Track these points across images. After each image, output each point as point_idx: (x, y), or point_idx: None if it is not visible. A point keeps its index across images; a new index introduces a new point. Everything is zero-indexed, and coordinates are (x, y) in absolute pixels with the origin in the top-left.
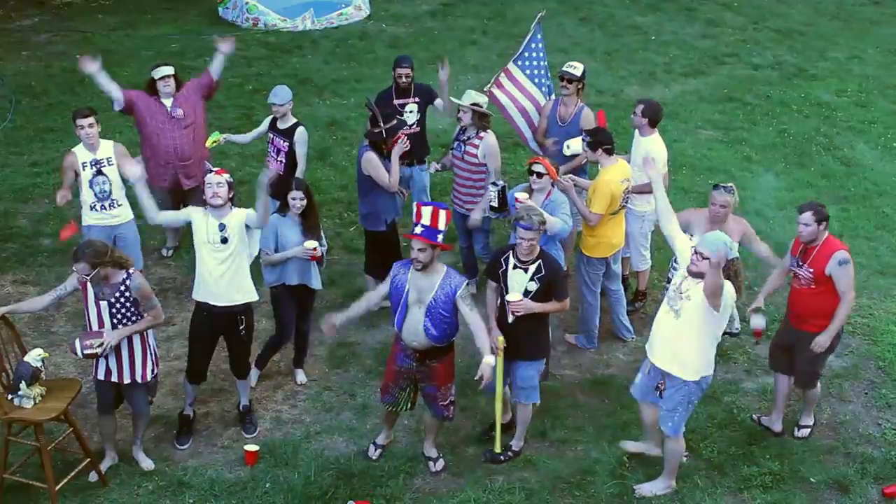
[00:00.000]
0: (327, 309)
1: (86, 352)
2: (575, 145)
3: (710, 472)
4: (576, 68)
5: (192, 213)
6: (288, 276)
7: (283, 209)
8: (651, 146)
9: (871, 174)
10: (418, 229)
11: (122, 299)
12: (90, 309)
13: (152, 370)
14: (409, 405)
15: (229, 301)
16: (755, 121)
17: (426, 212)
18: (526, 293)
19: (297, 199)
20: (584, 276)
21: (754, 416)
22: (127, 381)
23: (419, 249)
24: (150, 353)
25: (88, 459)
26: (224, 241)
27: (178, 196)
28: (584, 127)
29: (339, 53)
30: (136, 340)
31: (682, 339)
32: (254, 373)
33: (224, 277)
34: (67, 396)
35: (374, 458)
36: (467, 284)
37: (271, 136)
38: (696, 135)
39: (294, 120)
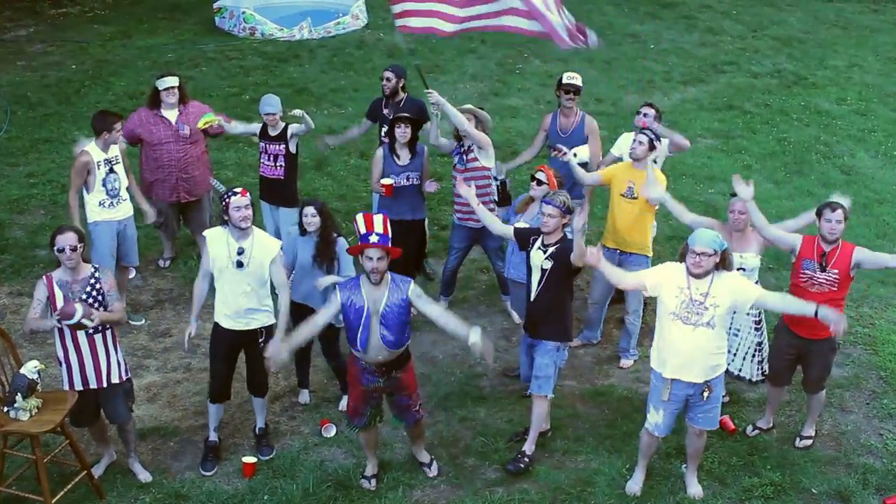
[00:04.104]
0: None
1: (83, 320)
2: (582, 153)
3: (711, 483)
4: (576, 79)
5: (210, 242)
6: (294, 291)
7: (302, 229)
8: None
9: (871, 182)
10: (374, 238)
11: (94, 292)
12: None
13: (126, 370)
14: (379, 418)
15: (246, 326)
16: (755, 129)
17: (378, 220)
18: (542, 272)
19: (308, 216)
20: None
21: (749, 429)
22: (105, 384)
23: (378, 259)
24: (120, 352)
25: (85, 472)
26: (239, 265)
27: (177, 210)
28: (591, 132)
29: (336, 63)
30: (100, 342)
31: (721, 344)
32: (304, 393)
33: (241, 302)
34: (63, 408)
35: (372, 489)
36: (413, 282)
37: (263, 144)
38: (695, 143)
39: (283, 124)
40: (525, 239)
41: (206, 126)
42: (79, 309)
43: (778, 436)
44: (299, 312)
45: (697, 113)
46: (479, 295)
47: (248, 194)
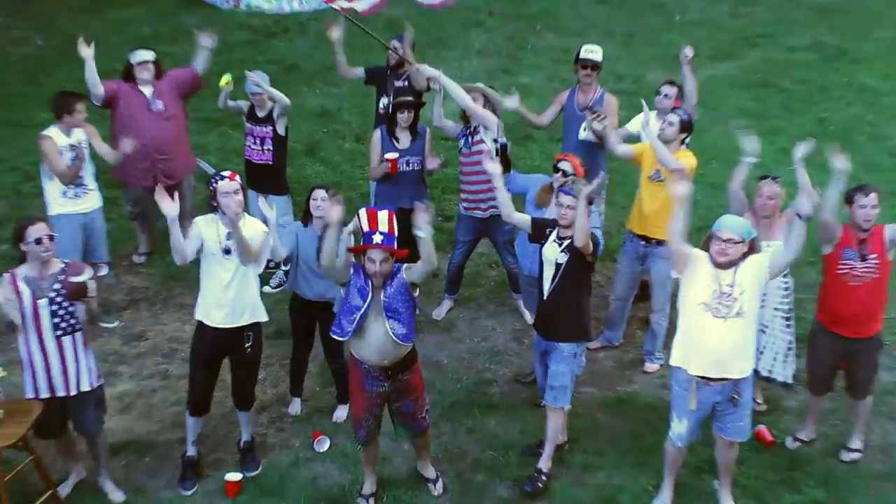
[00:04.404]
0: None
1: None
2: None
3: (747, 501)
4: (595, 52)
5: (199, 225)
6: (300, 286)
7: (306, 219)
8: None
9: None
10: (378, 237)
11: (65, 289)
12: (27, 312)
13: (97, 376)
14: (378, 429)
15: (232, 322)
16: (792, 108)
17: (382, 217)
18: (557, 267)
19: (318, 200)
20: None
21: (789, 441)
22: (74, 392)
23: (382, 261)
24: (91, 356)
25: (50, 491)
26: (227, 251)
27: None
28: (609, 110)
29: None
30: (69, 344)
31: (750, 334)
32: (295, 402)
33: (229, 293)
34: (27, 420)
35: None
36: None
37: (250, 126)
38: (726, 124)
39: (271, 104)
40: (540, 230)
41: (227, 86)
42: (88, 269)
43: (821, 448)
44: (311, 311)
45: (728, 91)
46: (487, 293)
47: (237, 177)
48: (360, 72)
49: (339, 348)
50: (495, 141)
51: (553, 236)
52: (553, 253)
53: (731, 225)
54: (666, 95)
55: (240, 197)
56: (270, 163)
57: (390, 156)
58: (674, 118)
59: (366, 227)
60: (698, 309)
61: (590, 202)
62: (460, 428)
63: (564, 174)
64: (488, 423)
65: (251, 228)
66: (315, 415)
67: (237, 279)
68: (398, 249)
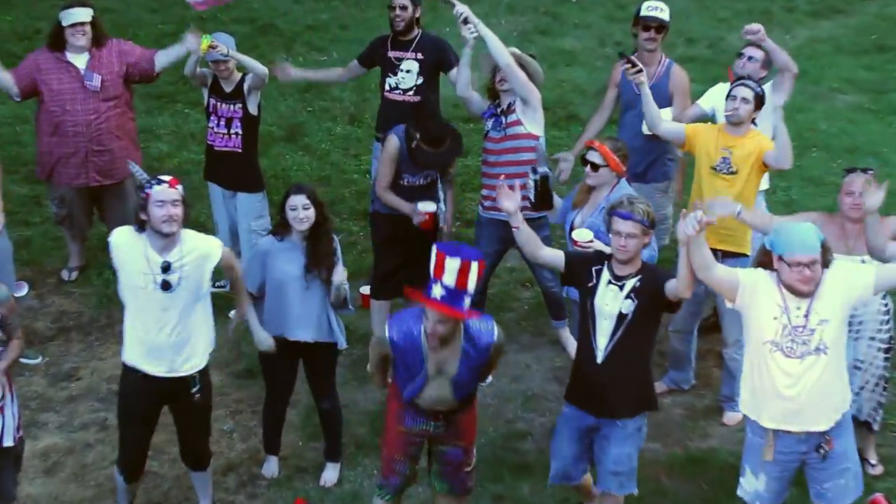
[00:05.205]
0: (351, 370)
1: None
2: (663, 115)
3: None
4: (661, 10)
5: (117, 247)
6: (286, 327)
7: (281, 230)
8: None
9: None
10: (438, 291)
11: None
12: None
13: (17, 427)
14: (414, 478)
15: (171, 371)
16: None
17: (452, 265)
18: (619, 319)
19: (298, 209)
20: None
21: None
22: None
23: (437, 322)
24: (16, 402)
25: None
26: (166, 286)
27: (88, 197)
28: (677, 90)
29: None
30: None
31: (837, 373)
32: (271, 461)
33: (165, 337)
34: None
35: None
36: (497, 328)
37: (213, 103)
38: (831, 101)
39: (239, 76)
40: (581, 270)
41: (208, 51)
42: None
43: None
44: (294, 354)
45: (833, 57)
46: (519, 320)
47: (179, 186)
48: (354, 66)
49: (331, 383)
50: (534, 171)
51: (606, 277)
52: (614, 302)
53: (807, 243)
54: (751, 58)
55: (178, 210)
56: (239, 150)
57: (426, 207)
58: (746, 92)
59: (431, 273)
60: (765, 349)
61: (652, 225)
62: (485, 493)
63: (595, 167)
64: (521, 487)
65: (195, 249)
66: (297, 476)
67: (176, 321)
68: (466, 312)
